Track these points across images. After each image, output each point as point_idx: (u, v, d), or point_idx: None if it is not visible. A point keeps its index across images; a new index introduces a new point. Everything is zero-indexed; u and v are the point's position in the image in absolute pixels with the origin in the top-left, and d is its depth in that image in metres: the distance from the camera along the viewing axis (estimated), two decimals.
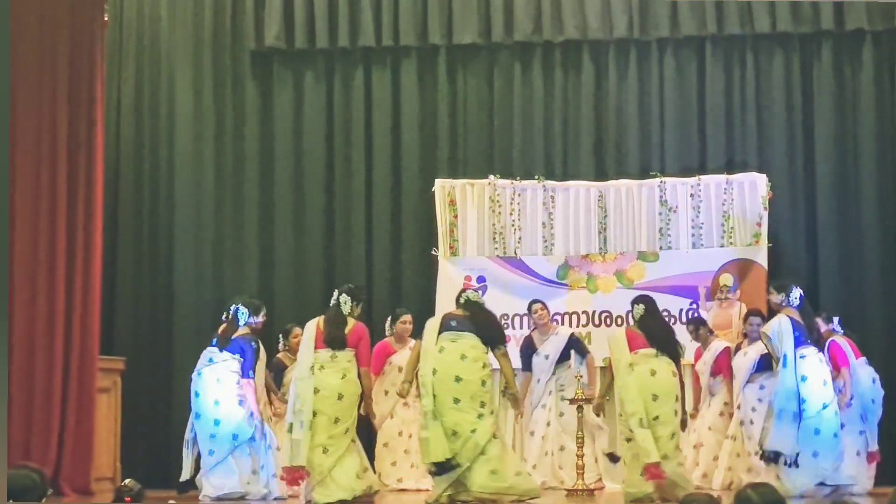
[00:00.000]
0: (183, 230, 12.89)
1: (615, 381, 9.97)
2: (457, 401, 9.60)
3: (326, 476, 9.70)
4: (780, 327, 10.30)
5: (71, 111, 10.97)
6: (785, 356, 10.24)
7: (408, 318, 11.69)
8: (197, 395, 10.51)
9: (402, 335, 11.65)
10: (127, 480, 9.57)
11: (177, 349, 12.55)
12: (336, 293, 10.16)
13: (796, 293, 10.48)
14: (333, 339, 9.93)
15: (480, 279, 12.27)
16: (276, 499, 10.38)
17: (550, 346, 11.63)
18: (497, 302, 11.95)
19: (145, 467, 11.49)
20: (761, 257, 12.04)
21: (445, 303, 11.99)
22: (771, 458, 10.19)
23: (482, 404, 9.67)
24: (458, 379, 9.63)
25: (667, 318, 11.55)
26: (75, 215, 10.91)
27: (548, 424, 11.55)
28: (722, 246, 12.15)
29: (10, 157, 9.80)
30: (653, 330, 10.04)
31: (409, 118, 13.06)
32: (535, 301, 11.85)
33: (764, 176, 12.28)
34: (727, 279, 11.96)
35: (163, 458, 12.16)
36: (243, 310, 10.72)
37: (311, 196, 13.06)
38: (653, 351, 9.89)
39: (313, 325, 10.07)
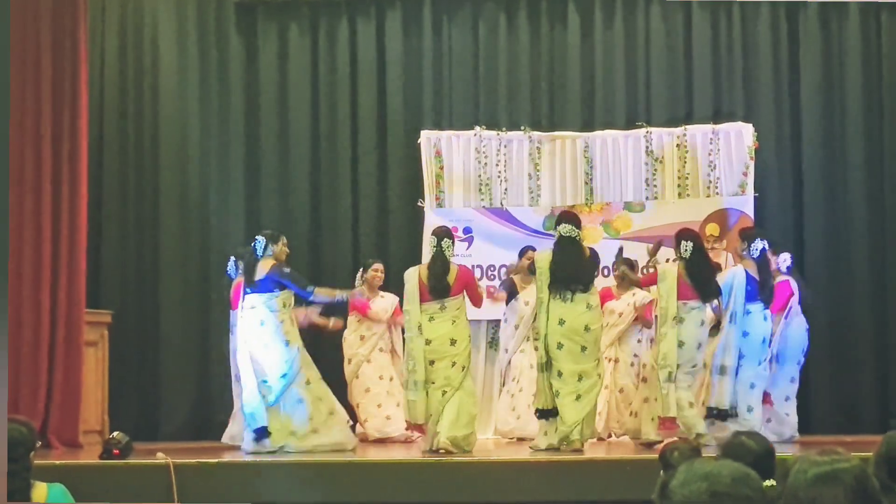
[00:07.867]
0: (168, 182, 12.84)
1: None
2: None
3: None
4: (735, 281, 10.20)
5: (55, 66, 10.91)
6: (734, 313, 10.18)
7: (379, 266, 11.62)
8: None
9: (373, 284, 11.53)
10: (115, 433, 9.61)
11: (163, 301, 12.52)
12: (435, 238, 9.98)
13: (758, 245, 10.32)
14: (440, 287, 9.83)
15: (467, 230, 12.27)
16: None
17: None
18: (483, 253, 11.96)
19: (133, 420, 11.52)
20: (748, 207, 12.06)
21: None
22: (714, 414, 10.09)
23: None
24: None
25: (650, 270, 11.56)
26: (60, 167, 10.87)
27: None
28: (708, 196, 12.17)
29: None
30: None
31: (394, 69, 13.00)
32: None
33: (750, 126, 12.29)
34: (713, 229, 11.96)
35: (150, 410, 12.20)
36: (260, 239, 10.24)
37: (297, 148, 13.01)
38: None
39: (415, 277, 9.92)
